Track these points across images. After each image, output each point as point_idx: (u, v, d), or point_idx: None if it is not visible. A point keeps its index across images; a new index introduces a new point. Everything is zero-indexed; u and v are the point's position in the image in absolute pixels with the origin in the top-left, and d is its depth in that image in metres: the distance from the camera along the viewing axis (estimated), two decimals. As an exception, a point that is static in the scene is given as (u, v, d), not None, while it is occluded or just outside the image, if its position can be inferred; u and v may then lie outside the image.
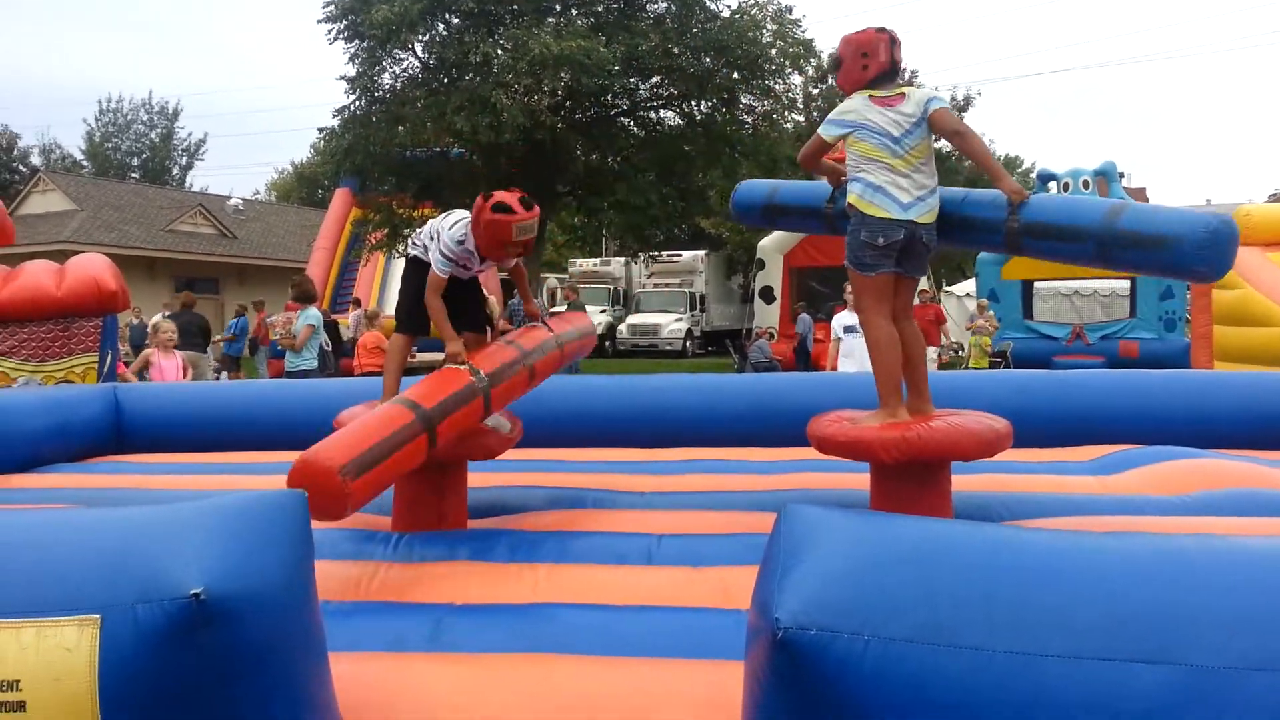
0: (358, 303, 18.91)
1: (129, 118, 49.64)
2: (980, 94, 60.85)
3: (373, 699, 2.24)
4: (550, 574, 3.21)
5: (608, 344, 27.84)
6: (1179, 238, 3.40)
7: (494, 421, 3.93)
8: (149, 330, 13.43)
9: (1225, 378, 6.16)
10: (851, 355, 9.02)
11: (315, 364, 9.33)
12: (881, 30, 3.88)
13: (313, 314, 9.40)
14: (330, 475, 2.90)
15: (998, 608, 1.44)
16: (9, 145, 42.75)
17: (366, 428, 3.23)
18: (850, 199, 3.77)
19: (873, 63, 3.82)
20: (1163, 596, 1.44)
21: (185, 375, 8.53)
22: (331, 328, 12.54)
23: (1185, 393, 5.64)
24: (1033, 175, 18.85)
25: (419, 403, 3.39)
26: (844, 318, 9.64)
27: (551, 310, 19.54)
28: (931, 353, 14.03)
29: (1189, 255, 3.40)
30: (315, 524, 2.15)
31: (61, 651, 1.48)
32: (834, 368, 9.87)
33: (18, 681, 1.47)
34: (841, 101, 3.94)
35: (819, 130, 3.88)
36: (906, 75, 38.29)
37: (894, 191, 3.69)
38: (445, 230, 3.85)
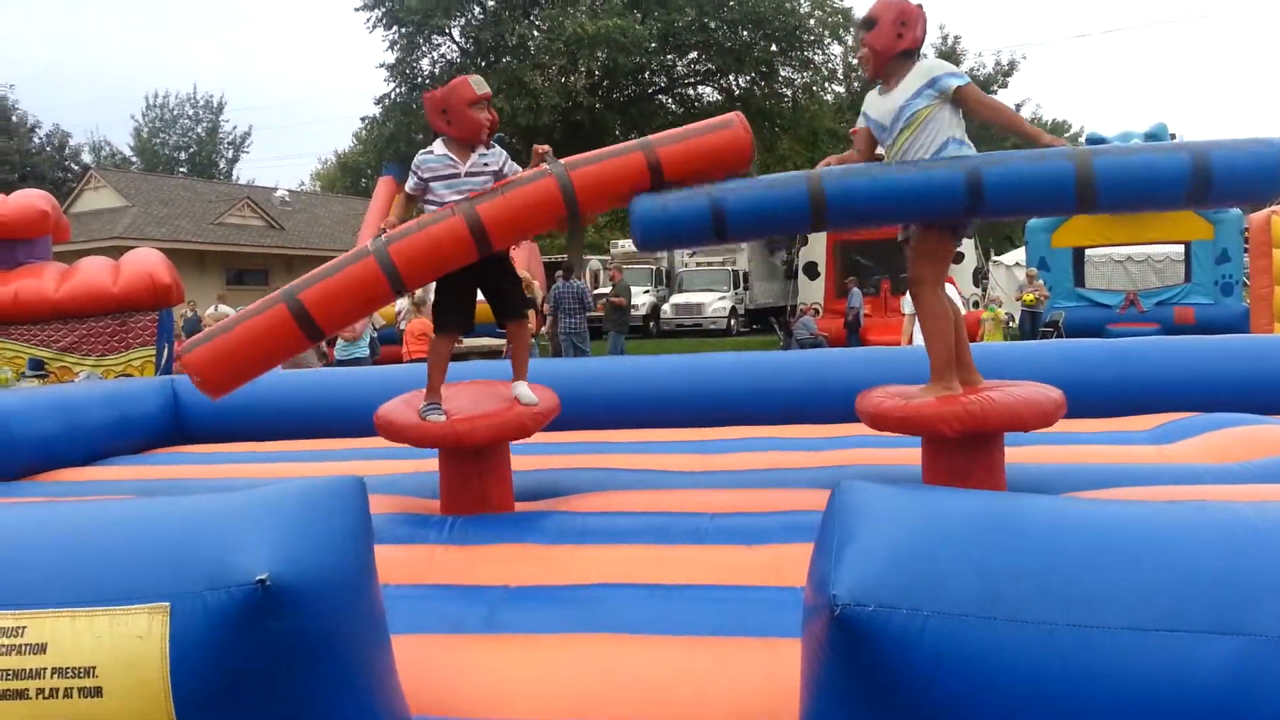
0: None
1: (175, 113, 50.45)
2: (1025, 58, 59.40)
3: (433, 680, 2.28)
4: (602, 555, 3.23)
5: (652, 325, 27.82)
6: (1265, 147, 3.34)
7: (522, 393, 3.93)
8: (207, 321, 13.69)
9: (1286, 341, 5.98)
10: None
11: (367, 352, 9.44)
12: (920, 6, 3.84)
13: None
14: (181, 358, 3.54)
15: (1056, 581, 1.42)
16: (60, 144, 43.65)
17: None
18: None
19: (908, 34, 3.77)
20: (1226, 566, 1.41)
21: None
22: None
23: (1244, 358, 5.51)
24: (1082, 140, 18.44)
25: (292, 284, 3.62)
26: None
27: (596, 292, 19.48)
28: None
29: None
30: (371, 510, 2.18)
31: (134, 639, 1.52)
32: (909, 342, 9.68)
33: (94, 668, 1.52)
34: (864, 66, 3.89)
35: (861, 124, 3.85)
36: (949, 41, 37.67)
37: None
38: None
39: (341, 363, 9.36)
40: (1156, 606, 1.38)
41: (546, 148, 3.80)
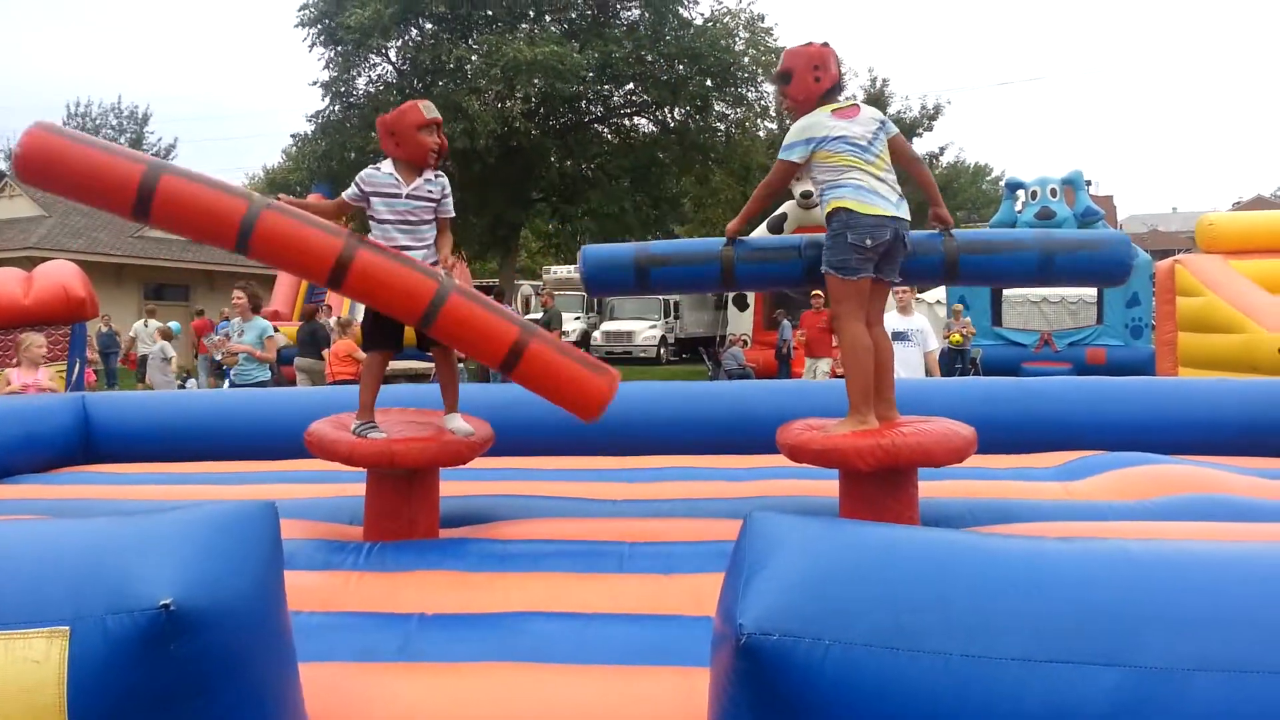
0: (329, 309, 18.70)
1: (98, 122, 49.13)
2: (950, 103, 61.37)
3: (342, 709, 2.25)
4: (521, 583, 3.22)
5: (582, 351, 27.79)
6: (1108, 240, 4.23)
7: (457, 426, 3.92)
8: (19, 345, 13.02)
9: (1188, 384, 6.25)
10: (906, 364, 7.53)
11: (269, 375, 8.65)
12: (826, 45, 4.01)
13: (265, 324, 8.67)
14: None
15: (956, 612, 1.47)
16: (-26, 150, 42.17)
17: None
18: (840, 203, 3.78)
19: (825, 75, 3.93)
20: (1114, 599, 1.48)
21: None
22: (321, 333, 12.22)
23: (1149, 399, 5.73)
24: (1002, 183, 19.05)
25: None
26: (892, 320, 8.01)
27: (527, 317, 19.46)
28: (824, 365, 13.32)
29: (1121, 253, 4.17)
30: (285, 535, 2.15)
31: (30, 664, 1.48)
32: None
33: (-15, 694, 1.47)
34: (792, 115, 4.03)
35: (783, 156, 3.94)
36: (878, 84, 38.72)
37: (883, 191, 3.81)
38: None
39: (237, 387, 8.58)
40: (1047, 638, 1.44)
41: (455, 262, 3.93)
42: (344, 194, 3.95)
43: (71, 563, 1.61)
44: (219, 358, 9.66)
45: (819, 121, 3.87)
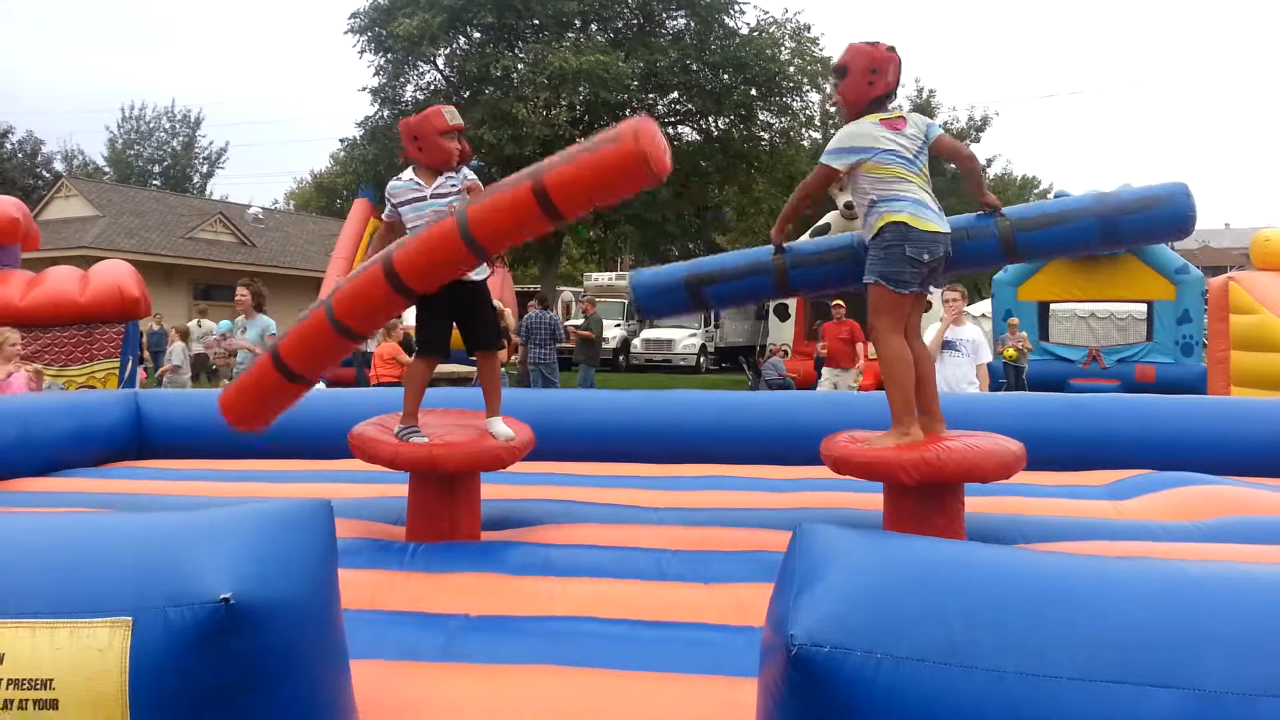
0: None
1: (151, 125, 50.22)
2: (998, 114, 60.76)
3: (388, 707, 2.28)
4: (564, 587, 3.24)
5: (621, 358, 27.86)
6: (1169, 194, 4.01)
7: (499, 430, 3.94)
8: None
9: (1242, 404, 6.13)
10: (954, 375, 7.37)
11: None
12: (893, 49, 3.90)
13: (268, 322, 8.16)
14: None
15: (1009, 629, 1.46)
16: (33, 151, 43.23)
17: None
18: (897, 217, 3.73)
19: (880, 80, 3.85)
20: (1171, 620, 1.46)
21: (38, 388, 7.21)
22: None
23: (1201, 418, 5.63)
24: (1051, 195, 18.81)
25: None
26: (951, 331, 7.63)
27: (568, 323, 19.53)
28: (848, 378, 12.82)
29: (1184, 205, 3.98)
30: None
31: (94, 652, 1.52)
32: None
33: (50, 680, 1.51)
34: (839, 113, 4.00)
35: (825, 160, 3.89)
36: (924, 94, 38.40)
37: (933, 205, 3.80)
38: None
39: None
40: (1103, 658, 1.42)
41: (474, 183, 3.89)
42: (383, 217, 4.07)
43: (134, 555, 1.65)
44: (212, 357, 9.10)
45: (868, 132, 3.81)
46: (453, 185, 3.91)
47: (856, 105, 3.89)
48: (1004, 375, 15.14)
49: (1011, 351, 14.83)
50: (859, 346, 12.92)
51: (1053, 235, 4.09)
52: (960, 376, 7.43)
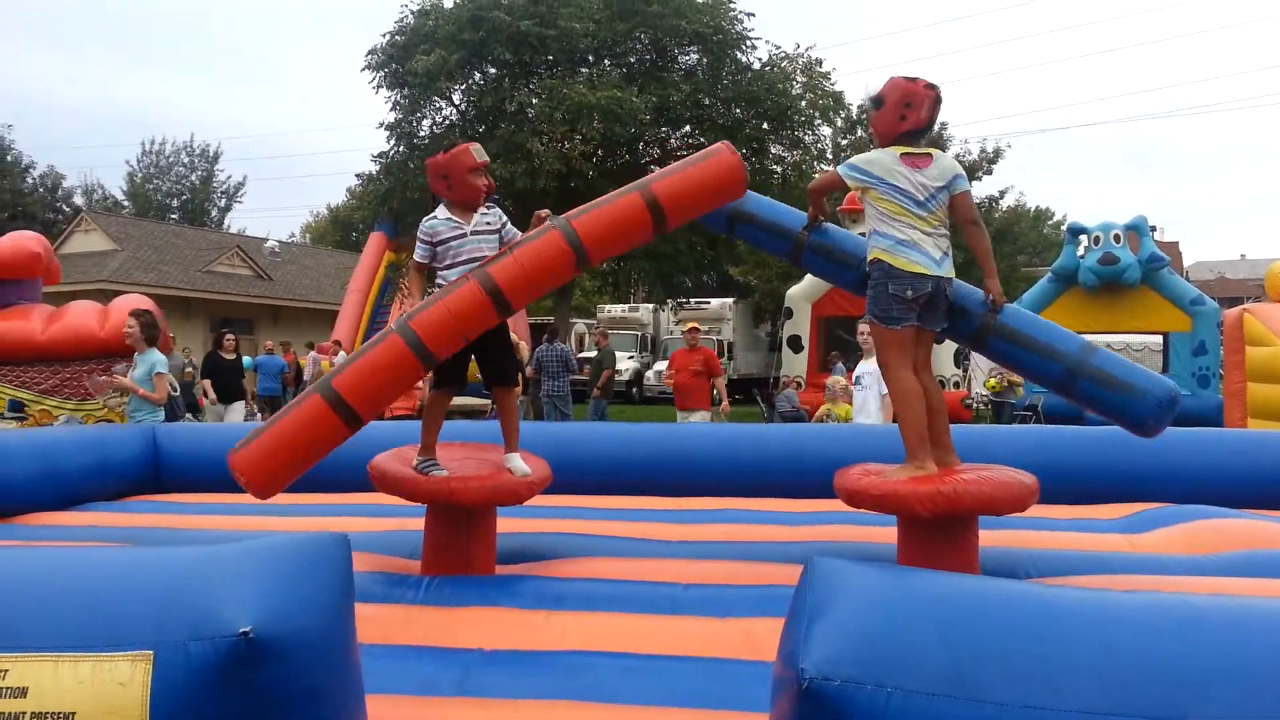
0: (337, 345, 18.70)
1: (170, 160, 50.80)
2: (1010, 146, 60.89)
3: (404, 741, 2.29)
4: (577, 621, 3.25)
5: (635, 390, 27.87)
6: (1146, 391, 3.77)
7: (516, 465, 3.97)
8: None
9: (1258, 436, 6.10)
10: (863, 409, 7.73)
11: (161, 416, 7.25)
12: (931, 86, 3.91)
13: (157, 358, 7.25)
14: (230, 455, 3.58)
15: (1018, 662, 1.47)
16: (53, 185, 43.81)
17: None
18: (877, 254, 3.82)
19: (912, 116, 3.87)
20: (1180, 655, 1.47)
21: None
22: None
23: (1217, 451, 5.60)
24: (1064, 228, 18.79)
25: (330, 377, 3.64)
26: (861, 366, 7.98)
27: (581, 355, 19.56)
28: (696, 416, 10.98)
29: (1150, 410, 3.78)
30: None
31: (115, 685, 1.55)
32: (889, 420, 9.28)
33: (73, 714, 1.54)
34: (872, 146, 4.03)
35: (839, 169, 3.95)
36: (936, 127, 38.63)
37: (926, 247, 3.77)
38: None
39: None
40: (1111, 691, 1.43)
41: (546, 211, 3.93)
42: (415, 257, 4.03)
43: (155, 589, 1.68)
44: (101, 400, 8.18)
45: (884, 163, 3.84)
46: (488, 223, 3.97)
47: (887, 137, 3.92)
48: (999, 411, 15.02)
49: (992, 382, 14.73)
50: (719, 381, 11.70)
51: (1019, 356, 3.99)
52: (858, 408, 7.76)
